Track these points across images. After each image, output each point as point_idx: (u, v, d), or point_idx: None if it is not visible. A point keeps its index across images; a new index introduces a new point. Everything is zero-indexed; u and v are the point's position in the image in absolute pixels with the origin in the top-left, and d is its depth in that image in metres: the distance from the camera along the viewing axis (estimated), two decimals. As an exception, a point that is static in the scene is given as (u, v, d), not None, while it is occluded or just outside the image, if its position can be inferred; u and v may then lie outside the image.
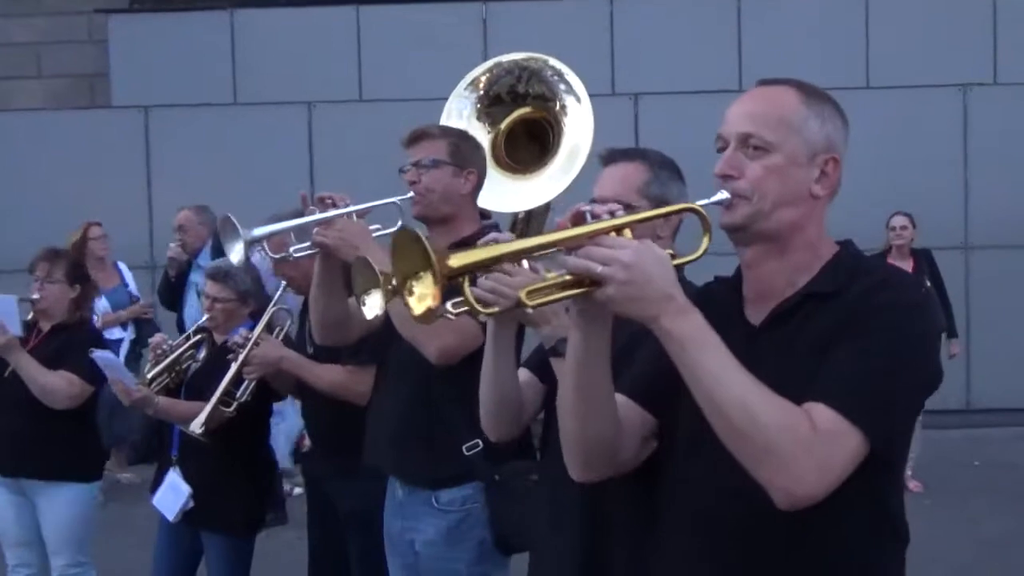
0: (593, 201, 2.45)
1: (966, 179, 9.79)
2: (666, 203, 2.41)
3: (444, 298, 1.63)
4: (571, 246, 1.69)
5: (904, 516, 1.87)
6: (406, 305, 1.66)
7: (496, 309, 1.94)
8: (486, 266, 1.75)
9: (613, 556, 2.37)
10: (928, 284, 7.38)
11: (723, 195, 1.81)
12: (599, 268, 1.66)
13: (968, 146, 9.80)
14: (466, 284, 1.73)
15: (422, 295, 1.62)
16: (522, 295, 1.73)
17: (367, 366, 3.75)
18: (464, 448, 3.08)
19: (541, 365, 2.50)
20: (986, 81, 10.14)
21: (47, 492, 4.47)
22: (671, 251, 1.77)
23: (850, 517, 1.76)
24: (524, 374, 2.55)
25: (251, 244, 3.17)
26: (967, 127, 9.81)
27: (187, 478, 4.16)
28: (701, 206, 1.80)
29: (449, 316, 2.40)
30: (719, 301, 1.93)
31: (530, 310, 1.80)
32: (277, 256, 3.44)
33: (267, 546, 4.54)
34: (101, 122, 10.10)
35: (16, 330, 4.35)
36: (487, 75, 4.22)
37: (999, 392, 9.59)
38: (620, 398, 1.93)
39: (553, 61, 4.19)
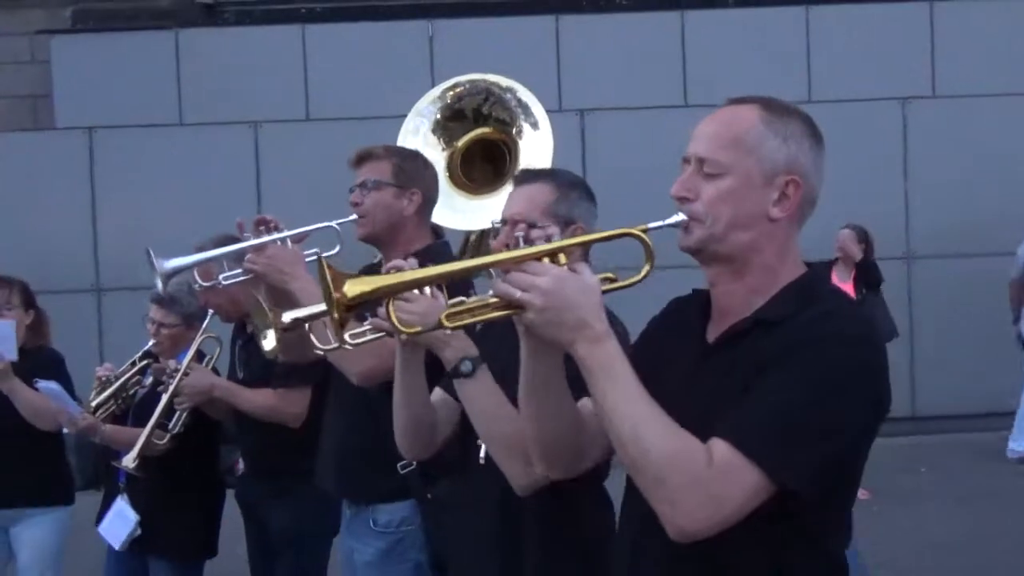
0: (503, 222, 2.51)
1: (906, 190, 9.97)
2: (573, 223, 2.45)
3: (346, 318, 1.74)
4: (500, 268, 1.74)
5: (844, 557, 1.83)
6: (333, 321, 1.74)
7: (417, 329, 1.99)
8: (385, 295, 1.81)
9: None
10: (864, 293, 7.65)
11: (678, 217, 1.82)
12: (518, 294, 1.70)
13: (908, 158, 9.98)
14: (390, 304, 1.83)
15: (336, 316, 1.73)
16: (442, 316, 1.78)
17: (297, 388, 3.83)
18: (398, 466, 3.10)
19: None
20: (925, 94, 10.35)
21: (31, 518, 4.45)
22: (609, 275, 1.78)
23: (777, 555, 1.74)
24: (438, 394, 2.57)
25: (169, 276, 3.19)
26: (907, 139, 9.99)
27: (135, 505, 4.13)
28: (656, 227, 1.80)
29: (348, 347, 2.49)
30: (686, 315, 1.93)
31: (449, 330, 1.84)
32: (207, 284, 3.45)
33: (215, 570, 4.50)
34: (44, 144, 9.98)
35: (12, 355, 4.31)
36: (458, 88, 4.27)
37: (943, 400, 9.76)
38: (587, 401, 1.93)
39: (523, 93, 4.26)
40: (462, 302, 1.82)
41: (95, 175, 9.73)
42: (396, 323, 1.84)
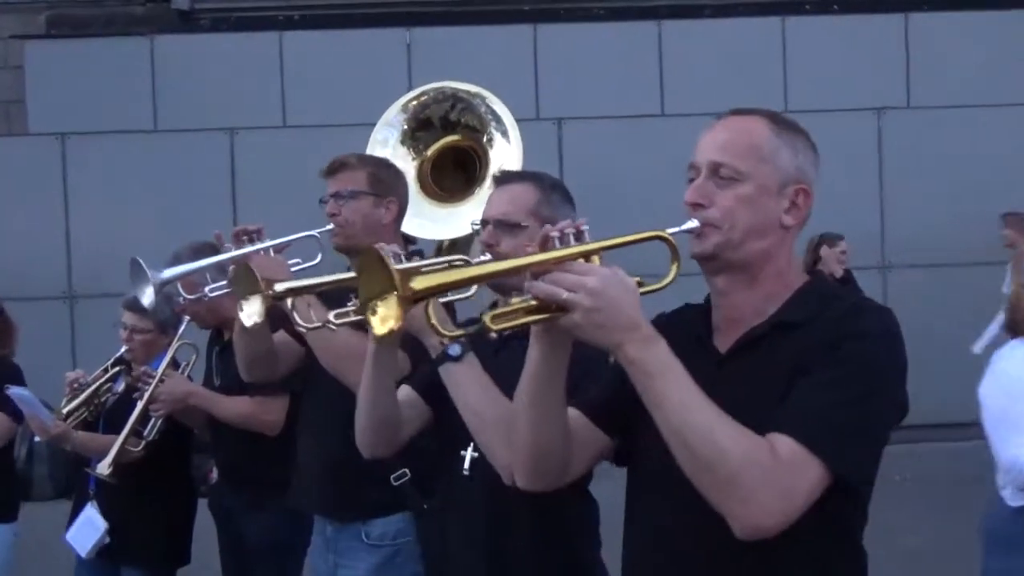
0: (484, 222, 2.48)
1: (882, 200, 10.03)
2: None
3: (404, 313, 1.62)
4: (538, 271, 1.67)
5: (864, 549, 1.87)
6: (368, 325, 1.64)
7: (460, 332, 1.94)
8: (449, 289, 1.74)
9: None
10: None
11: (693, 223, 1.80)
12: (565, 294, 1.63)
13: (883, 168, 10.05)
14: (430, 308, 1.76)
15: (384, 317, 1.62)
16: (487, 319, 1.71)
17: (275, 396, 3.80)
18: (392, 478, 3.06)
19: (428, 388, 2.49)
20: (900, 105, 10.42)
21: None
22: (639, 279, 1.73)
23: (817, 549, 1.75)
24: (406, 391, 2.54)
25: (161, 286, 3.14)
26: (882, 149, 10.06)
27: (105, 513, 4.08)
28: (670, 234, 1.78)
29: (331, 327, 2.41)
30: (688, 327, 1.91)
31: (494, 335, 1.79)
32: (192, 296, 3.40)
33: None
34: (17, 149, 9.90)
35: None
36: (423, 97, 4.26)
37: (919, 409, 9.76)
38: (575, 413, 1.93)
39: (492, 100, 4.25)
40: (507, 303, 1.74)
41: (68, 181, 9.65)
42: (436, 325, 1.75)
